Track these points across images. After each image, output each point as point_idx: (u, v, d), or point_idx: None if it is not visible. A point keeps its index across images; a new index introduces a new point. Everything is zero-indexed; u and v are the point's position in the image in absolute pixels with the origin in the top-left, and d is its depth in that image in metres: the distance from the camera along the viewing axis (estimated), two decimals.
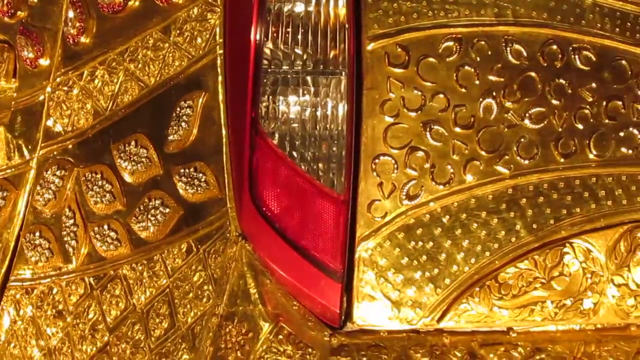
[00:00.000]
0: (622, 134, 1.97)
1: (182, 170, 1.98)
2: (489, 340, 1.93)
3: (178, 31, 2.01)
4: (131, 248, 2.06)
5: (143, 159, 2.03)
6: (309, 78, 1.86)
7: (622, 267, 1.98)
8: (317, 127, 1.86)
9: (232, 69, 1.88)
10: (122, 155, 2.07)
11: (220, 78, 1.91)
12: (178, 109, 1.98)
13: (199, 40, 1.98)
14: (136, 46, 2.08)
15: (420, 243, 1.90)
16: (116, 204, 2.10)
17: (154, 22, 2.05)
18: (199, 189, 1.95)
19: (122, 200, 2.09)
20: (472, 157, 1.92)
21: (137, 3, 2.08)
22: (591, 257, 1.96)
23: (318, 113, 1.86)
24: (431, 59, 1.91)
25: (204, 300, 1.92)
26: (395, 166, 1.89)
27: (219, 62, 1.92)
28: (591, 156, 1.96)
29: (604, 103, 1.97)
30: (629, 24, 1.98)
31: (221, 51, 1.91)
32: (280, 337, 1.82)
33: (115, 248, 2.09)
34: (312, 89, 1.86)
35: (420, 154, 1.90)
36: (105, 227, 2.10)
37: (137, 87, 2.07)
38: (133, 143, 2.06)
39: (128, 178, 2.08)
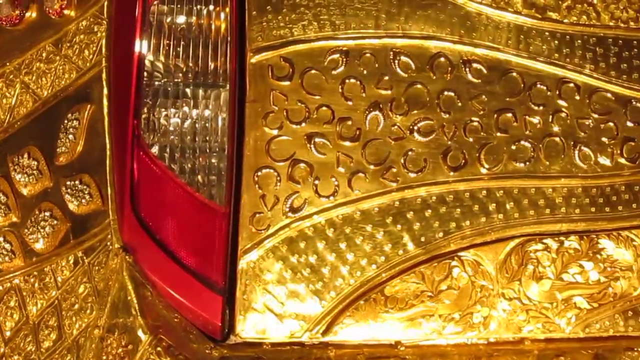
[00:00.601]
0: (513, 147, 1.97)
1: (68, 183, 1.99)
2: (376, 353, 1.93)
3: (68, 44, 2.02)
4: (24, 259, 2.06)
5: (34, 172, 2.04)
6: (189, 90, 1.86)
7: (513, 280, 1.97)
8: (199, 140, 1.86)
9: (116, 81, 1.89)
10: (16, 167, 2.08)
11: (105, 90, 1.92)
12: (66, 121, 1.99)
13: (86, 52, 1.99)
14: (31, 59, 2.09)
15: (304, 256, 1.90)
16: (11, 215, 2.11)
17: (47, 35, 2.06)
18: (83, 201, 1.96)
19: (17, 212, 2.10)
20: (358, 170, 1.92)
21: (33, 15, 2.09)
22: (481, 270, 1.96)
23: (200, 125, 1.86)
24: (316, 72, 1.91)
25: (88, 312, 1.92)
26: (278, 178, 1.89)
27: (104, 74, 1.92)
28: (482, 169, 1.95)
29: (495, 116, 1.96)
30: (521, 36, 1.98)
31: (106, 64, 1.92)
32: (159, 349, 1.82)
33: (10, 260, 2.10)
34: (195, 101, 1.86)
35: (304, 166, 1.90)
36: (1, 238, 2.10)
37: (31, 100, 2.08)
38: (26, 155, 2.07)
39: (22, 190, 2.08)
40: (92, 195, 1.95)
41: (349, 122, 1.92)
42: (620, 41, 2.02)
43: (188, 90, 1.86)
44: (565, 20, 2.01)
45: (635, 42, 2.03)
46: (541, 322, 1.99)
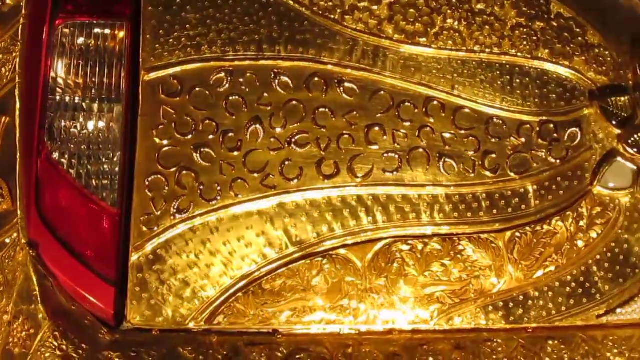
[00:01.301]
0: (382, 158, 2.20)
1: None
2: (255, 340, 2.16)
3: None
4: None
5: None
6: (87, 104, 2.11)
7: (381, 277, 2.20)
8: (95, 148, 2.11)
9: (27, 96, 2.14)
10: None
11: (17, 104, 2.16)
12: None
13: (4, 70, 2.25)
14: None
15: (190, 253, 2.14)
16: None
17: None
18: None
19: None
20: (239, 177, 2.15)
21: None
22: (350, 267, 2.19)
23: (96, 136, 2.11)
24: (202, 89, 2.15)
25: None
26: (166, 184, 2.13)
27: (17, 90, 2.17)
28: (352, 178, 2.18)
29: (366, 130, 2.19)
30: (391, 59, 2.21)
31: (19, 80, 2.16)
32: (56, 333, 2.06)
33: None
34: (92, 114, 2.11)
35: (190, 173, 2.14)
36: None
37: None
38: None
39: None
40: (4, 196, 2.20)
41: (231, 134, 2.16)
42: (484, 64, 2.25)
43: (86, 105, 2.11)
44: (433, 46, 2.24)
45: (497, 64, 2.26)
46: (407, 314, 2.22)
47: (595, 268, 2.27)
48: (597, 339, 2.28)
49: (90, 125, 2.11)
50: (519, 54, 2.25)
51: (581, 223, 2.26)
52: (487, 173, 2.22)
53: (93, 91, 2.11)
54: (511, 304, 2.24)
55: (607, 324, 2.30)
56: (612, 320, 2.31)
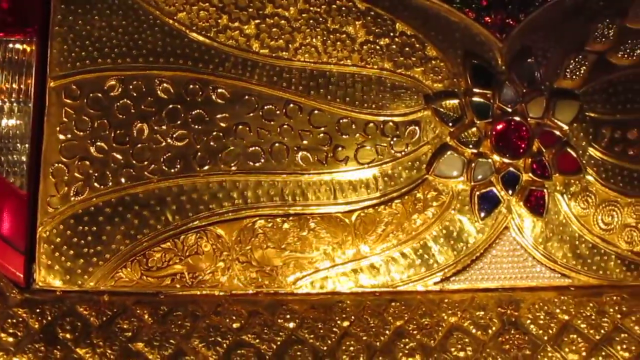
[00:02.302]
0: (249, 150, 2.66)
1: None
2: (141, 300, 2.63)
3: None
4: None
5: None
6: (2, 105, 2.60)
7: (246, 249, 2.67)
8: (7, 142, 2.59)
9: None
10: None
11: None
12: None
13: None
14: None
15: (87, 227, 2.61)
16: None
17: None
18: None
19: None
20: (127, 166, 2.61)
21: None
22: (221, 241, 2.66)
23: (10, 132, 2.60)
24: (98, 94, 2.63)
25: None
26: (67, 171, 2.61)
27: None
28: (223, 166, 2.65)
29: (234, 128, 2.67)
30: (257, 69, 2.68)
31: None
32: None
33: None
34: (6, 114, 2.59)
35: (87, 162, 2.62)
36: None
37: None
38: None
39: None
40: None
41: (120, 131, 2.63)
42: (336, 74, 2.72)
43: (2, 106, 2.60)
44: (294, 58, 2.71)
45: (347, 74, 2.72)
46: (269, 279, 2.68)
47: (431, 243, 2.73)
48: (434, 302, 2.73)
49: (4, 123, 2.60)
50: (367, 66, 2.71)
51: (418, 205, 2.72)
52: (338, 163, 2.67)
53: (6, 95, 2.59)
54: (360, 272, 2.70)
55: (443, 290, 2.76)
56: (447, 287, 2.77)
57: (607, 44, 2.84)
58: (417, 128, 2.70)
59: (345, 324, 2.62)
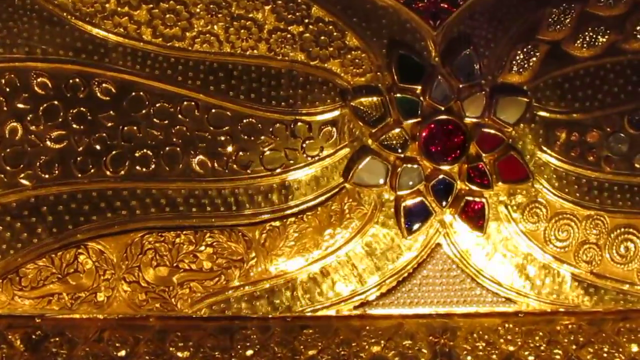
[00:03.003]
0: (137, 154, 2.34)
1: None
2: (13, 324, 2.33)
3: None
4: None
5: None
6: None
7: (134, 266, 2.35)
8: None
9: None
10: None
11: None
12: None
13: None
14: None
15: None
16: None
17: None
18: None
19: None
20: None
21: None
22: (104, 257, 2.34)
23: None
24: None
25: None
26: None
27: None
28: (107, 172, 2.33)
29: (121, 128, 2.34)
30: (149, 61, 2.35)
31: None
32: None
33: None
34: None
35: None
36: None
37: None
38: None
39: None
40: None
41: None
42: (240, 66, 2.38)
43: None
44: (190, 48, 2.38)
45: (253, 67, 2.38)
46: (160, 302, 2.36)
47: (352, 261, 2.38)
48: (354, 329, 2.38)
49: None
50: (276, 57, 2.37)
51: (334, 218, 2.37)
52: (239, 169, 2.34)
53: None
54: (266, 294, 2.36)
55: (364, 315, 2.40)
56: (369, 312, 2.42)
57: (562, 32, 2.46)
58: (333, 129, 2.36)
59: (249, 353, 2.32)
